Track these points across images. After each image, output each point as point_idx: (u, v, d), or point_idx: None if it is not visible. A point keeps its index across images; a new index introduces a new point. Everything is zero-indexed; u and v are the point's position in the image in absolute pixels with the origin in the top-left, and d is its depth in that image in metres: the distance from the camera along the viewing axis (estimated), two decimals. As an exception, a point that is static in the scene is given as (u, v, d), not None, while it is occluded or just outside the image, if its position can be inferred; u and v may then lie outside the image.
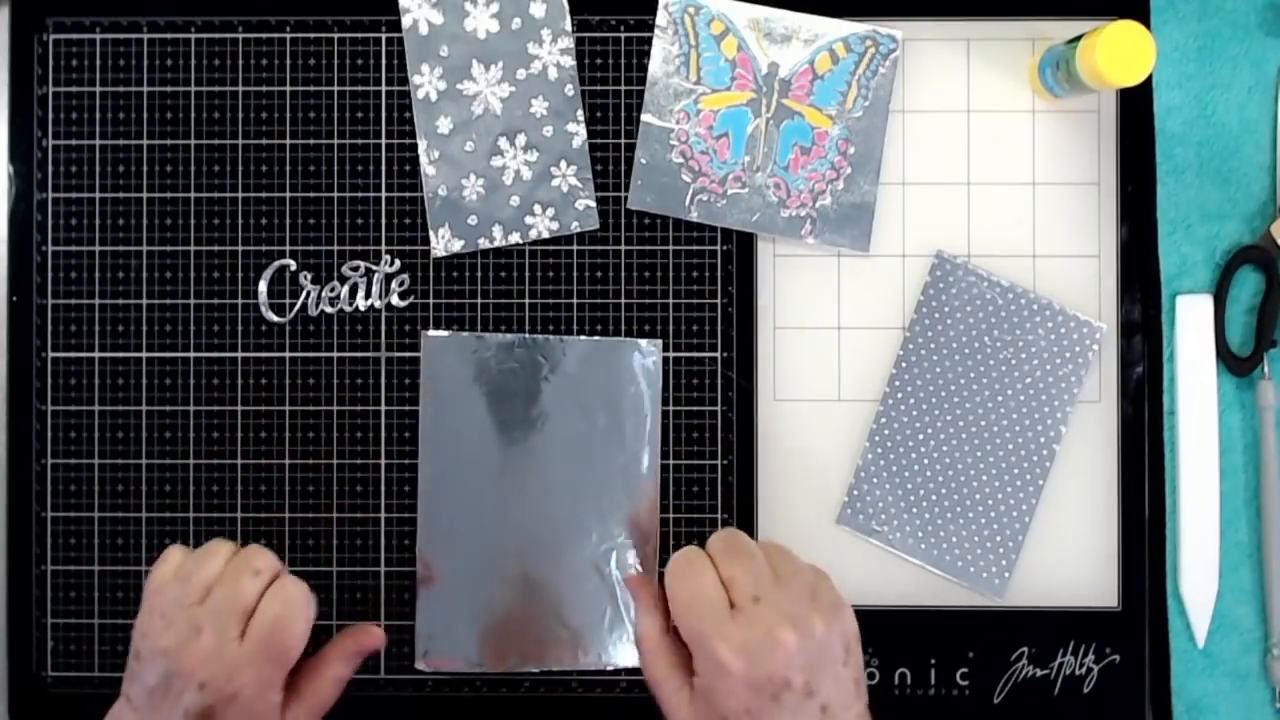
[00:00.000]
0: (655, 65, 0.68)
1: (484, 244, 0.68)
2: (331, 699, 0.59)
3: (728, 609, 0.52)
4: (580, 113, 0.68)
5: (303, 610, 0.56)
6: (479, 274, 0.68)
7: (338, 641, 0.60)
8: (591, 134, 0.68)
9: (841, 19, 0.68)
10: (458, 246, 0.68)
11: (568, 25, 0.67)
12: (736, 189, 0.68)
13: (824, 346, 0.69)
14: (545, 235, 0.68)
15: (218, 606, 0.55)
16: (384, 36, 0.68)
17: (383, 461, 0.68)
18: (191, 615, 0.55)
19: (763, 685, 0.50)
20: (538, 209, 0.68)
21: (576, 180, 0.68)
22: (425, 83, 0.67)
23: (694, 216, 0.68)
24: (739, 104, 0.68)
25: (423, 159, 0.68)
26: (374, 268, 0.69)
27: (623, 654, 0.67)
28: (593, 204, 0.68)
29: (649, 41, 0.68)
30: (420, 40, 0.67)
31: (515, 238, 0.68)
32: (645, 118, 0.68)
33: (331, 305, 0.68)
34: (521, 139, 0.67)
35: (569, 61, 0.67)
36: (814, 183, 0.68)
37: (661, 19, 0.68)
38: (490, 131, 0.68)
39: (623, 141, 0.68)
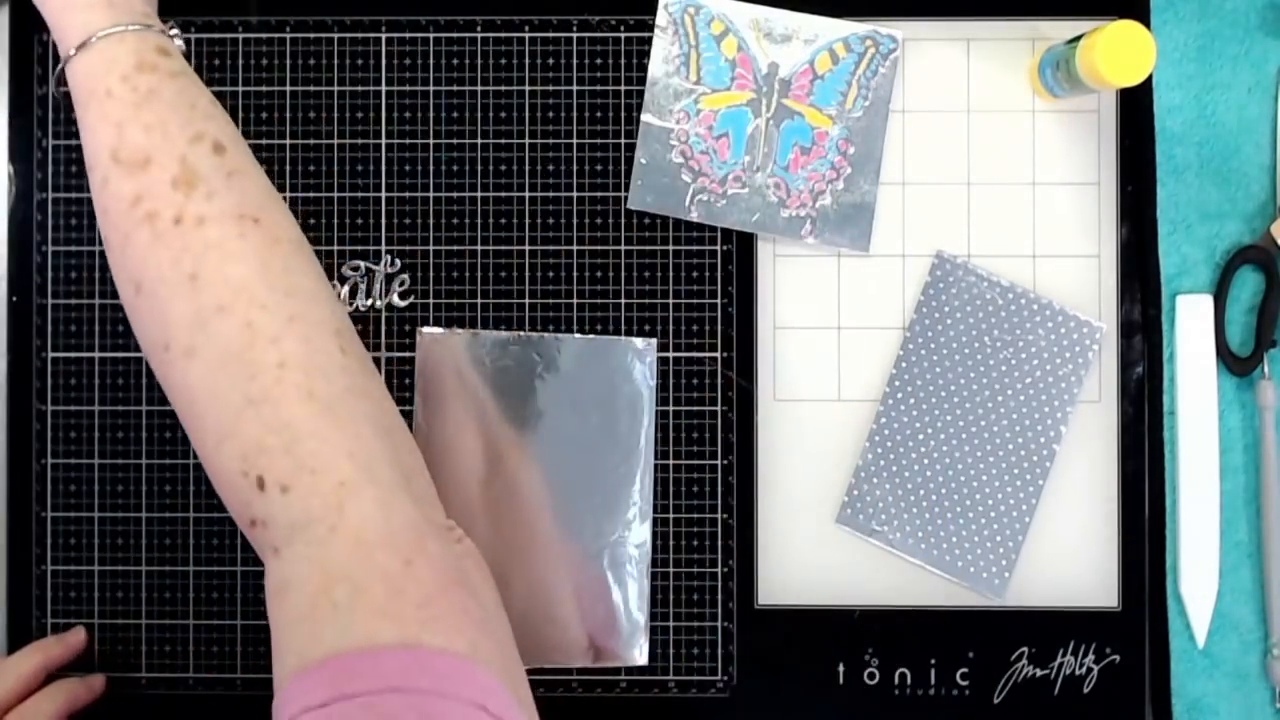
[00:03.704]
0: (655, 65, 0.68)
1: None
2: None
3: None
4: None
5: None
6: (479, 274, 0.68)
7: (51, 690, 0.63)
8: (591, 134, 0.68)
9: (841, 19, 0.68)
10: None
11: None
12: (736, 189, 0.68)
13: (824, 346, 0.69)
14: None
15: None
16: (384, 36, 0.68)
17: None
18: None
19: None
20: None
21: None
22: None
23: (694, 216, 0.68)
24: (739, 104, 0.68)
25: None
26: (374, 268, 0.68)
27: (618, 652, 0.67)
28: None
29: (649, 41, 0.68)
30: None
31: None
32: (645, 118, 0.68)
33: (331, 305, 0.68)
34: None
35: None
36: (814, 183, 0.68)
37: (661, 19, 0.68)
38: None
39: (623, 141, 0.68)
